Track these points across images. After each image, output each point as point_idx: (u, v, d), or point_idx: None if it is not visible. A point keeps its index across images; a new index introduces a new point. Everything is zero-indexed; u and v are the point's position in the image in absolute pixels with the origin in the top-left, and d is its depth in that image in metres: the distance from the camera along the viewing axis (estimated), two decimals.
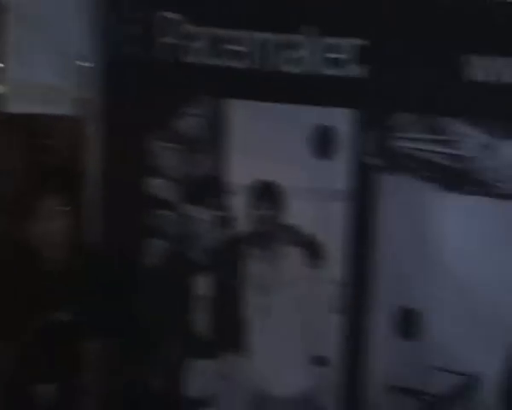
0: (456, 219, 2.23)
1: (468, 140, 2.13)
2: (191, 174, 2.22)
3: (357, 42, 2.09)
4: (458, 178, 2.18)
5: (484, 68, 2.09)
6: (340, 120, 2.17)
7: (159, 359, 2.27)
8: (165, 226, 2.25)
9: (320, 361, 2.27)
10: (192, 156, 2.20)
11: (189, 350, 2.29)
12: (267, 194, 2.17)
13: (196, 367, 2.30)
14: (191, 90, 2.16)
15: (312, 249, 2.24)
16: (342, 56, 2.09)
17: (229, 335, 2.26)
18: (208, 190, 2.21)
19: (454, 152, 2.15)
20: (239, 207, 2.21)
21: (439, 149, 2.14)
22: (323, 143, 2.17)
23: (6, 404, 1.97)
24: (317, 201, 2.21)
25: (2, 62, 1.97)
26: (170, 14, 2.11)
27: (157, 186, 2.25)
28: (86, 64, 2.07)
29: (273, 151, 2.15)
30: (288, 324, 2.25)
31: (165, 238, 2.26)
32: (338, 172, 2.19)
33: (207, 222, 2.24)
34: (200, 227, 2.24)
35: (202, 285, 2.28)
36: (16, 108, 2.14)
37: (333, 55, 2.10)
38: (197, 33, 2.13)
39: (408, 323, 2.27)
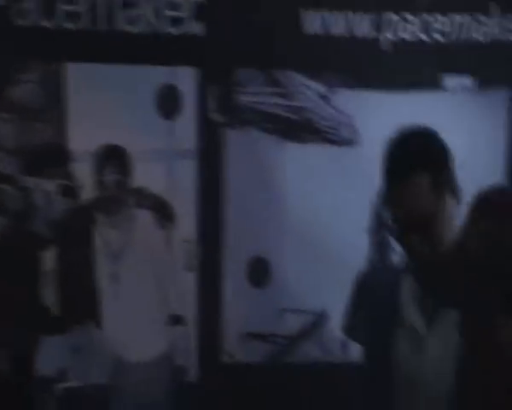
0: (297, 168, 2.36)
1: (306, 91, 2.24)
2: (29, 144, 2.09)
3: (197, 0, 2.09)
4: (298, 128, 2.28)
5: (319, 22, 2.19)
6: (183, 78, 2.19)
7: (8, 339, 2.14)
8: (4, 201, 2.10)
9: (176, 320, 2.29)
10: (29, 125, 2.10)
11: (39, 327, 2.19)
12: (112, 158, 2.15)
13: (48, 344, 2.21)
14: (24, 56, 2.02)
15: (162, 210, 2.25)
16: (181, 14, 2.07)
17: (81, 306, 2.28)
18: (49, 159, 2.11)
19: (293, 104, 2.25)
20: (84, 174, 2.14)
21: (279, 101, 2.22)
22: (168, 102, 2.19)
23: None
24: (164, 161, 2.21)
25: None
26: None
27: None
28: None
29: (116, 114, 2.16)
30: (141, 287, 2.32)
31: (5, 214, 2.11)
32: (184, 132, 2.22)
33: (51, 193, 2.14)
34: (43, 199, 2.14)
35: (50, 259, 2.17)
36: None
37: (172, 13, 2.07)
38: None
39: (258, 272, 2.36)
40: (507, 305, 1.05)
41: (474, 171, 2.58)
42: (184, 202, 2.31)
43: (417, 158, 1.45)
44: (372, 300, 1.74)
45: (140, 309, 2.35)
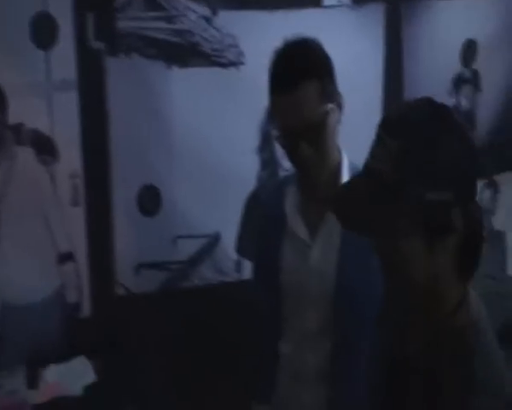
0: (184, 92, 2.32)
1: (189, 14, 2.18)
2: None
3: None
4: (183, 53, 2.24)
5: None
6: (59, 5, 2.03)
7: None
8: None
9: (66, 257, 2.25)
10: None
11: None
12: None
13: None
14: None
15: (44, 146, 2.14)
16: None
17: None
18: None
19: (177, 27, 2.19)
20: None
21: (162, 25, 2.16)
22: (43, 32, 2.02)
23: None
24: (43, 95, 2.08)
25: None
26: None
27: None
28: None
29: None
30: (26, 227, 2.18)
31: None
32: (62, 62, 2.10)
33: None
34: None
35: None
36: None
37: None
38: None
39: (149, 200, 2.34)
40: (416, 225, 1.09)
41: (353, 83, 2.68)
42: (67, 136, 2.21)
43: (302, 67, 1.52)
44: (260, 215, 1.80)
45: (26, 250, 2.28)
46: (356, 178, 1.17)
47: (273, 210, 1.75)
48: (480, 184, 3.18)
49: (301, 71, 1.53)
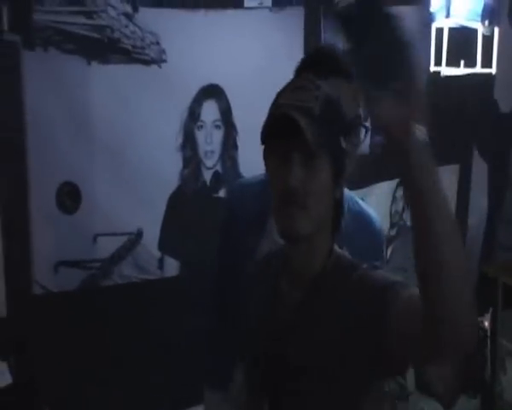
0: (103, 89, 2.26)
1: (110, 10, 2.12)
2: None
3: None
4: (102, 49, 2.17)
5: None
6: None
7: None
8: None
9: None
10: None
11: None
12: None
13: None
14: None
15: None
16: None
17: None
18: None
19: (96, 23, 2.12)
20: None
21: (81, 20, 2.09)
22: None
23: None
24: None
25: None
26: None
27: None
28: None
29: None
30: None
31: None
32: None
33: None
34: None
35: None
36: None
37: None
38: None
39: (68, 197, 2.27)
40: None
41: (272, 83, 2.68)
42: None
43: None
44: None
45: None
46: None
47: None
48: (393, 182, 3.30)
49: None
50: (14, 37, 2.06)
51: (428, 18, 2.57)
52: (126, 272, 2.45)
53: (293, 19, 2.63)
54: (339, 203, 1.27)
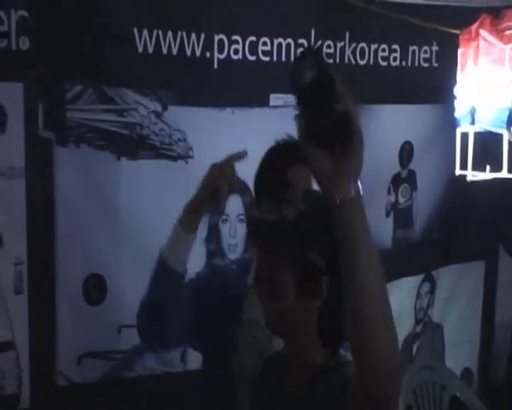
0: (131, 183, 2.28)
1: (139, 108, 2.17)
2: None
3: (20, 13, 1.93)
4: (132, 145, 2.22)
5: (152, 40, 2.15)
6: (8, 94, 2.00)
7: None
8: None
9: (6, 347, 2.11)
10: None
11: None
12: None
13: None
14: None
15: None
16: (4, 29, 1.90)
17: None
18: None
19: (126, 120, 2.17)
20: None
21: (112, 118, 2.14)
22: None
23: None
24: None
25: None
26: None
27: None
28: None
29: None
30: None
31: None
32: (10, 149, 2.03)
33: None
34: None
35: None
36: None
37: None
38: None
39: (93, 289, 2.25)
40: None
41: None
42: (13, 223, 2.13)
43: None
44: (210, 303, 1.73)
45: None
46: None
47: (226, 298, 1.71)
48: (418, 278, 3.25)
49: None
50: (49, 133, 2.12)
51: (453, 122, 2.61)
52: (149, 364, 2.41)
53: None
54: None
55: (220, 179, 1.65)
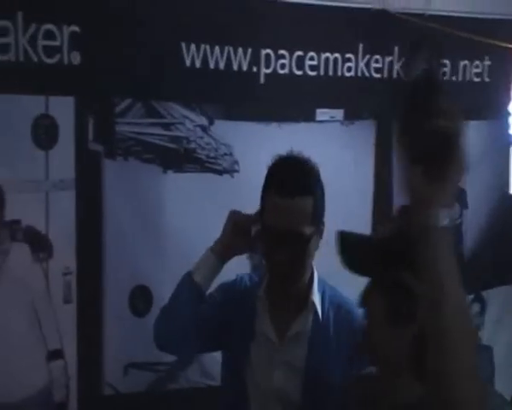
0: (177, 197, 2.31)
1: (186, 122, 2.20)
2: None
3: (72, 29, 1.98)
4: (178, 158, 2.25)
5: (199, 55, 2.18)
6: (61, 108, 2.06)
7: None
8: None
9: (55, 355, 2.16)
10: None
11: None
12: None
13: None
14: None
15: (38, 243, 2.09)
16: (56, 43, 1.96)
17: None
18: None
19: (173, 134, 2.20)
20: None
21: (159, 131, 2.17)
22: (44, 132, 2.04)
23: None
24: (39, 192, 2.07)
25: None
26: None
27: None
28: None
29: None
30: (17, 323, 2.09)
31: None
32: (61, 162, 2.10)
33: None
34: None
35: None
36: None
37: (47, 43, 1.96)
38: None
39: (140, 300, 2.27)
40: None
41: (343, 197, 2.68)
42: (63, 234, 2.18)
43: (306, 181, 1.60)
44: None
45: (16, 346, 2.20)
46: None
47: (244, 312, 1.73)
48: (467, 298, 3.17)
49: (305, 184, 1.60)
50: (98, 146, 2.17)
51: (507, 140, 2.55)
52: (193, 377, 2.42)
53: (364, 132, 2.65)
54: None
55: (238, 237, 1.68)
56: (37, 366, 2.21)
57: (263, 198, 1.63)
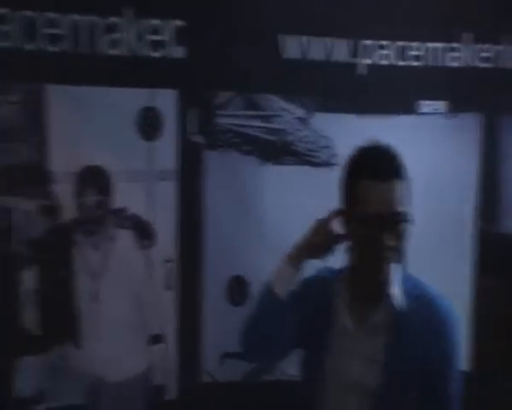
0: (275, 189, 2.34)
1: (285, 114, 2.23)
2: (10, 164, 2.04)
3: (177, 23, 2.06)
4: (276, 150, 2.28)
5: (298, 47, 2.19)
6: (164, 100, 2.15)
7: None
8: None
9: (156, 340, 2.25)
10: (11, 145, 2.02)
11: (17, 348, 2.13)
12: (93, 179, 2.12)
13: (27, 364, 2.14)
14: (5, 77, 1.97)
15: (142, 231, 2.21)
16: (162, 38, 2.04)
17: (59, 326, 2.16)
18: (29, 179, 2.05)
19: (272, 126, 2.23)
20: (64, 195, 2.08)
21: (258, 123, 2.21)
22: (148, 124, 2.14)
23: None
24: (144, 182, 2.18)
25: None
26: None
27: None
28: None
29: (98, 136, 2.08)
30: (120, 307, 2.24)
31: None
32: (164, 153, 2.18)
33: (30, 213, 2.08)
34: (22, 218, 2.08)
35: (28, 279, 2.12)
36: None
37: (153, 37, 2.05)
38: (8, 16, 1.94)
39: (238, 291, 2.33)
40: None
41: (445, 192, 2.61)
42: (164, 223, 2.27)
43: (399, 164, 1.62)
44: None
45: (119, 328, 2.30)
46: None
47: (324, 304, 1.74)
48: None
49: (398, 167, 1.61)
50: (200, 138, 2.24)
51: None
52: (289, 369, 2.44)
53: (469, 125, 2.57)
54: None
55: (322, 236, 1.71)
56: (139, 349, 2.31)
57: (351, 189, 1.63)
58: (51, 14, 2.01)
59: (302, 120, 2.32)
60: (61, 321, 2.21)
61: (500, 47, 2.49)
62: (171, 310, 2.30)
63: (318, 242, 1.72)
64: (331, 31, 2.27)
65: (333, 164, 2.41)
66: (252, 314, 1.79)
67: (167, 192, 2.25)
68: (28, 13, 2.00)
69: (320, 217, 1.75)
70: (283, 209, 2.37)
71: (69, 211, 2.17)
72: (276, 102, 2.30)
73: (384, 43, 2.35)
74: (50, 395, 2.21)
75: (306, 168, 2.37)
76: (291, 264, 1.74)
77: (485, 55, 2.49)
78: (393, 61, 2.38)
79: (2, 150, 2.09)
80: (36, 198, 2.13)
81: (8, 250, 2.13)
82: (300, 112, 2.32)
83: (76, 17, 2.04)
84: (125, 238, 2.24)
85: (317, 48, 2.27)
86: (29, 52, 2.04)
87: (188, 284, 2.30)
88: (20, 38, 2.02)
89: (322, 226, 1.73)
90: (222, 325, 2.38)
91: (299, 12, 2.24)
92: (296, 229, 2.43)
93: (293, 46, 2.25)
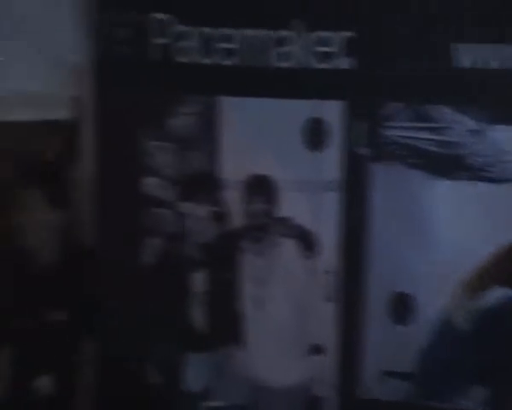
0: (445, 205, 2.24)
1: (457, 126, 2.14)
2: (185, 172, 2.18)
3: (346, 34, 2.07)
4: (447, 164, 2.20)
5: (471, 55, 2.09)
6: (331, 111, 2.17)
7: (156, 355, 2.23)
8: (161, 225, 2.21)
9: (316, 350, 2.26)
10: (185, 154, 2.17)
11: (187, 345, 2.26)
12: (260, 188, 2.17)
13: (194, 361, 2.27)
14: (183, 90, 2.12)
15: (306, 240, 2.23)
16: (331, 49, 2.06)
17: (225, 328, 2.26)
18: (202, 186, 2.17)
19: (443, 138, 2.16)
20: (233, 202, 2.18)
21: (427, 136, 2.14)
22: (315, 135, 2.17)
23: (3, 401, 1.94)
24: (309, 192, 2.21)
25: None
26: (161, 15, 2.07)
27: (152, 185, 2.21)
28: (77, 66, 2.01)
29: (265, 146, 2.15)
30: (283, 314, 2.25)
31: (161, 236, 2.22)
32: (329, 164, 2.20)
33: (202, 218, 2.20)
34: (195, 224, 2.21)
35: (198, 281, 2.24)
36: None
37: (322, 49, 2.07)
38: (188, 33, 2.09)
39: (401, 308, 2.27)
40: None
41: None
42: (327, 234, 2.28)
43: None
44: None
45: (282, 336, 2.35)
46: None
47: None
48: None
49: None
50: (365, 150, 2.21)
51: None
52: (451, 398, 2.33)
53: None
54: None
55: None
56: (300, 358, 2.34)
57: None
58: (226, 30, 2.12)
59: (477, 133, 2.21)
60: (227, 323, 2.30)
61: None
62: (332, 322, 2.30)
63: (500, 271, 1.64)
64: (505, 37, 2.13)
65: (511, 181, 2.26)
66: (427, 346, 1.79)
67: (331, 203, 2.25)
68: (205, 29, 2.13)
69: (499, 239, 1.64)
70: (455, 227, 2.26)
71: (237, 218, 2.26)
72: (448, 114, 2.21)
73: None
74: (215, 393, 2.31)
75: (481, 184, 2.25)
76: (464, 292, 1.70)
77: None
78: None
79: (179, 159, 2.24)
80: (207, 204, 2.25)
81: (182, 253, 2.28)
82: (474, 124, 2.20)
83: (249, 32, 2.14)
84: (288, 247, 2.28)
85: (491, 56, 2.15)
86: (205, 66, 2.16)
87: (349, 296, 2.29)
88: (198, 54, 2.16)
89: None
90: (383, 342, 2.33)
91: (472, 19, 2.13)
92: (469, 249, 2.31)
93: (464, 54, 2.15)
